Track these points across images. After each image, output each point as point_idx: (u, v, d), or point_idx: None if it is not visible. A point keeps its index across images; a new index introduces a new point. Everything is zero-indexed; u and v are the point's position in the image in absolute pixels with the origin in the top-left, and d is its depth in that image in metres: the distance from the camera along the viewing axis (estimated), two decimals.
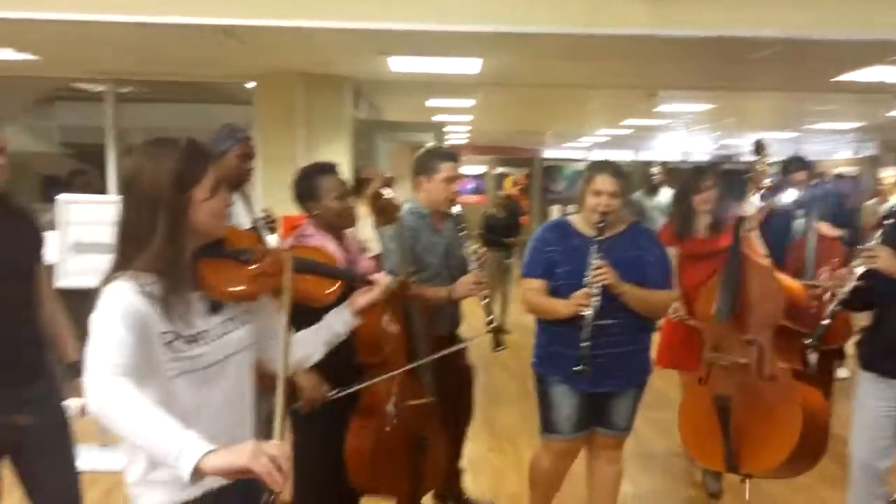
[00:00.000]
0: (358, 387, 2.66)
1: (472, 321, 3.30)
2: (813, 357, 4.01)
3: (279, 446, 1.33)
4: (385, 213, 2.91)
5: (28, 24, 4.32)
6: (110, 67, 6.40)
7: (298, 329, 1.86)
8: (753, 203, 3.56)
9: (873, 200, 6.35)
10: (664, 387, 4.33)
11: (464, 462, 3.57)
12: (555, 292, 2.79)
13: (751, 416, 3.05)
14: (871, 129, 11.65)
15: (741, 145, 16.38)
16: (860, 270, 2.61)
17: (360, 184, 5.33)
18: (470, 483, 3.66)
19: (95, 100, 6.87)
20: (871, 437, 2.70)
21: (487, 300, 2.97)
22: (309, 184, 2.74)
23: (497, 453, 4.38)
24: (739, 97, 8.33)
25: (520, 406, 5.02)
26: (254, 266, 1.68)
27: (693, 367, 3.43)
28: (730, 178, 3.94)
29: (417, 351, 2.79)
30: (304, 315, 1.84)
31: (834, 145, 15.61)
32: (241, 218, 3.17)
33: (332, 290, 1.81)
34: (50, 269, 2.48)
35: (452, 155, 3.20)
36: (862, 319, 2.90)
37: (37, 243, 2.36)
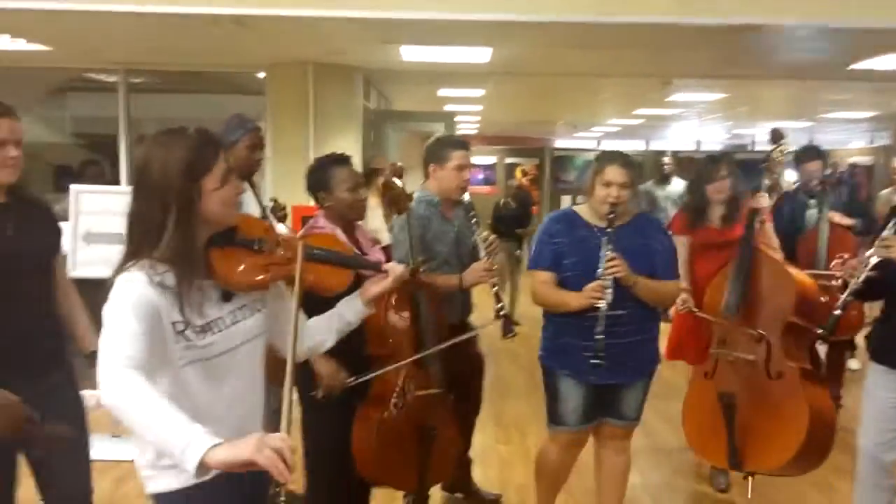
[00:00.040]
0: (373, 374, 2.67)
1: (483, 310, 3.30)
2: (822, 349, 4.00)
3: (284, 438, 1.34)
4: (395, 202, 2.91)
5: (40, 15, 4.34)
6: (122, 58, 6.42)
7: (311, 316, 1.87)
8: (767, 195, 3.53)
9: (888, 190, 6.29)
10: (673, 377, 4.32)
11: (472, 453, 3.58)
12: (562, 284, 2.78)
13: (756, 413, 3.03)
14: (886, 118, 11.54)
15: (754, 135, 16.28)
16: (874, 261, 2.58)
17: (371, 174, 5.36)
18: (478, 474, 3.67)
19: (107, 90, 6.90)
20: (880, 429, 2.69)
21: (497, 287, 2.96)
22: (322, 175, 2.74)
23: (505, 444, 4.38)
24: (753, 86, 8.25)
25: (528, 397, 5.02)
26: (265, 255, 1.69)
27: (700, 360, 3.41)
28: (744, 167, 3.91)
29: (425, 341, 2.79)
30: (316, 303, 1.85)
31: (848, 135, 15.48)
32: (251, 208, 3.17)
33: (343, 279, 1.82)
34: (63, 259, 2.49)
35: (463, 143, 3.20)
36: (875, 311, 2.87)
37: (54, 234, 2.37)
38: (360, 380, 2.62)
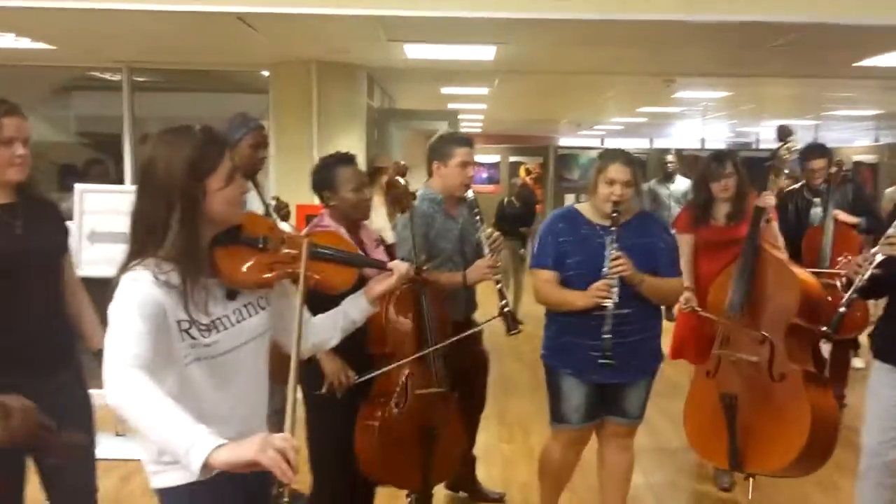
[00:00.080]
0: (378, 373, 2.67)
1: (487, 308, 3.29)
2: (826, 347, 3.98)
3: (287, 439, 1.34)
4: (399, 201, 2.91)
5: (44, 14, 4.35)
6: (126, 56, 6.43)
7: (315, 314, 1.87)
8: (773, 193, 3.51)
9: (893, 188, 6.28)
10: (677, 376, 4.31)
11: (475, 451, 3.57)
12: (565, 283, 2.78)
13: (758, 415, 3.02)
14: (891, 116, 11.50)
15: (758, 133, 16.24)
16: (879, 258, 2.57)
17: (375, 172, 5.36)
18: (481, 473, 3.67)
19: (111, 89, 6.91)
20: (883, 427, 2.67)
21: (500, 284, 2.96)
22: (327, 174, 2.74)
23: (508, 443, 4.38)
24: (757, 84, 8.23)
25: (531, 396, 5.02)
26: (270, 253, 1.69)
27: (702, 359, 3.40)
28: (749, 165, 3.89)
29: (428, 340, 2.79)
30: (321, 301, 1.85)
31: (853, 133, 15.43)
32: (254, 206, 3.17)
33: (348, 277, 1.82)
34: (71, 258, 2.49)
35: (467, 140, 3.20)
36: (880, 310, 2.86)
37: (62, 233, 2.37)
38: (364, 378, 2.63)
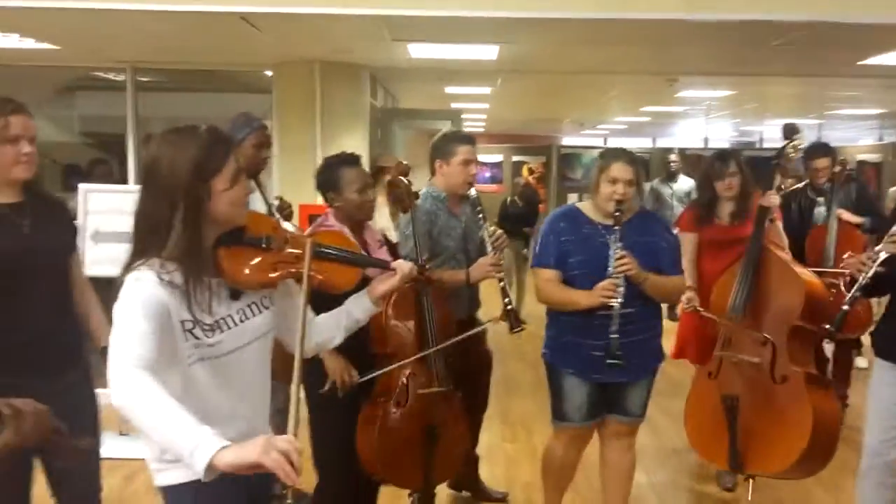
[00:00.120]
0: (380, 372, 2.67)
1: (491, 306, 3.29)
2: (829, 347, 3.96)
3: (290, 441, 1.34)
4: (401, 200, 2.91)
5: (48, 14, 4.36)
6: (130, 56, 6.44)
7: (318, 314, 1.88)
8: (777, 194, 3.49)
9: None
10: (680, 375, 4.31)
11: (478, 451, 3.58)
12: (568, 282, 2.77)
13: (759, 417, 3.01)
14: (895, 115, 11.46)
15: (762, 132, 16.21)
16: (883, 256, 2.56)
17: (378, 172, 5.36)
18: (484, 472, 3.67)
19: (115, 89, 6.92)
20: (884, 426, 2.66)
21: (504, 283, 2.96)
22: (331, 175, 2.75)
23: (511, 442, 4.38)
24: (761, 83, 8.21)
25: (534, 395, 5.01)
26: (274, 253, 1.69)
27: (703, 360, 3.39)
28: (753, 164, 3.88)
29: (429, 340, 2.79)
30: (324, 300, 1.85)
31: (857, 132, 15.38)
32: (257, 206, 3.18)
33: (351, 277, 1.82)
34: (79, 257, 2.50)
35: (469, 138, 3.20)
36: (883, 308, 2.85)
37: (70, 232, 2.37)
38: (367, 377, 2.64)
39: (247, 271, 1.65)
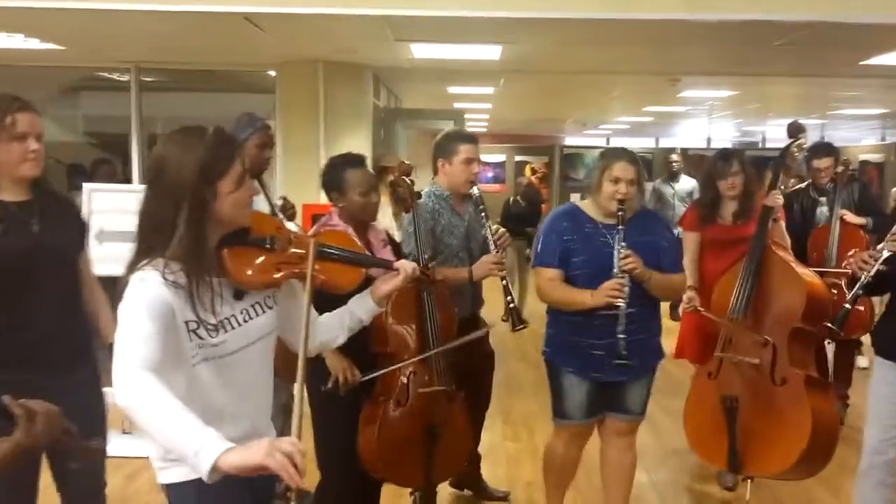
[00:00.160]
0: (380, 373, 2.68)
1: (494, 305, 3.30)
2: (830, 348, 3.96)
3: (294, 442, 1.35)
4: (403, 200, 2.92)
5: (52, 14, 4.37)
6: (134, 56, 6.46)
7: (322, 313, 1.89)
8: (781, 192, 3.47)
9: None
10: (682, 374, 4.32)
11: (480, 450, 3.58)
12: (570, 282, 2.78)
13: (759, 418, 3.01)
14: None
15: (764, 132, 16.19)
16: (886, 254, 2.56)
17: (381, 172, 5.37)
18: (486, 471, 3.68)
19: (119, 89, 6.94)
20: (884, 425, 2.66)
21: (506, 281, 2.97)
22: (336, 175, 2.75)
23: (513, 441, 4.39)
24: (763, 83, 8.21)
25: (536, 395, 5.02)
26: (277, 253, 1.70)
27: (703, 359, 3.39)
28: (756, 164, 3.88)
29: (430, 340, 2.80)
30: (327, 300, 1.86)
31: (859, 132, 15.36)
32: (260, 206, 3.19)
33: (355, 277, 1.83)
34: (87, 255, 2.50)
35: (471, 137, 3.21)
36: (884, 307, 2.85)
37: (79, 230, 2.37)
38: (370, 376, 2.64)
39: (250, 271, 1.66)
